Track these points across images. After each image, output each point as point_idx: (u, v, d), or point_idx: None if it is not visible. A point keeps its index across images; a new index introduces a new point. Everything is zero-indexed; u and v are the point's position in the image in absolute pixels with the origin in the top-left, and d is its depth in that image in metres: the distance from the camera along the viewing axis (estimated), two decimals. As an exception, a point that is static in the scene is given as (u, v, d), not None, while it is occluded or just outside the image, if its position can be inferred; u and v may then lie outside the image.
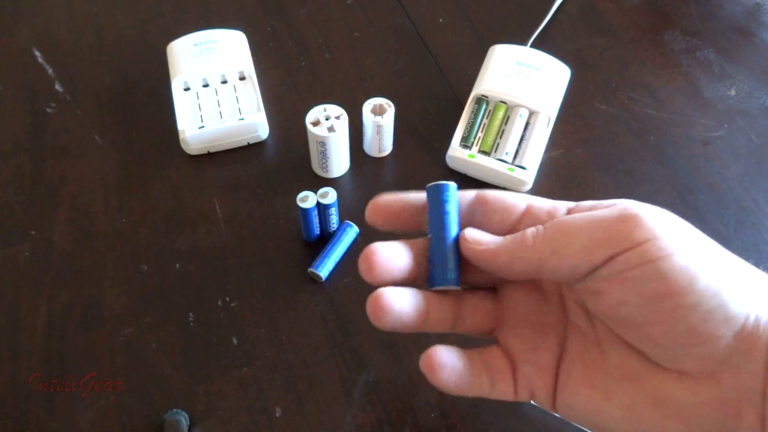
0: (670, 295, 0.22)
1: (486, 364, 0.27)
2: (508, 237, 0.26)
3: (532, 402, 0.39)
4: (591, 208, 0.25)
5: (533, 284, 0.28)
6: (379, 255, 0.26)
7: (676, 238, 0.22)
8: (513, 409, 0.39)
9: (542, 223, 0.26)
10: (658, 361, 0.23)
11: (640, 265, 0.22)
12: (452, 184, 0.27)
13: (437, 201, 0.26)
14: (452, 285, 0.27)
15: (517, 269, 0.25)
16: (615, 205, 0.24)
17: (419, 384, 0.40)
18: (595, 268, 0.23)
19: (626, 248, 0.22)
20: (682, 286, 0.22)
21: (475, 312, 0.28)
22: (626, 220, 0.23)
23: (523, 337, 0.28)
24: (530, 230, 0.25)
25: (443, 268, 0.26)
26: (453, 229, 0.26)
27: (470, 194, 0.28)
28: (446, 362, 0.26)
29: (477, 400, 0.39)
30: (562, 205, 0.27)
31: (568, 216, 0.25)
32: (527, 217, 0.27)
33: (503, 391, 0.27)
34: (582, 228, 0.24)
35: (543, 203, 0.27)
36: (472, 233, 0.26)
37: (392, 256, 0.26)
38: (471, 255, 0.26)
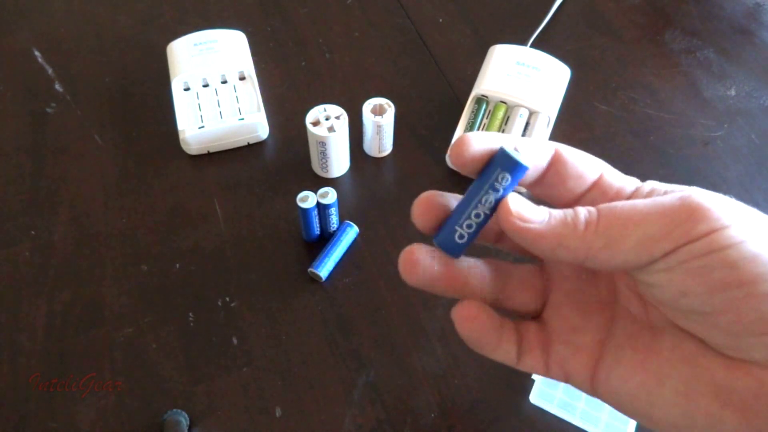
0: (740, 284, 0.20)
1: (519, 335, 0.26)
2: (558, 217, 0.23)
3: (531, 401, 0.39)
4: (651, 192, 0.24)
5: None
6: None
7: (746, 226, 0.21)
8: (513, 409, 0.39)
9: (608, 200, 0.24)
10: (721, 349, 0.22)
11: (705, 255, 0.21)
12: (526, 167, 0.23)
13: (494, 172, 0.23)
14: (447, 252, 0.24)
15: (561, 256, 0.23)
16: (671, 193, 0.23)
17: (419, 384, 0.40)
18: (654, 262, 0.22)
19: (690, 240, 0.21)
20: (755, 274, 0.20)
21: (522, 288, 0.27)
22: (690, 211, 0.21)
23: (564, 316, 0.26)
24: (583, 213, 0.23)
25: (449, 232, 0.24)
26: (487, 205, 0.24)
27: (549, 149, 0.25)
28: (477, 314, 0.25)
29: (476, 399, 0.39)
30: (630, 184, 0.25)
31: (625, 204, 0.23)
32: (596, 189, 0.25)
33: (531, 366, 0.26)
34: (640, 219, 0.22)
35: (614, 178, 0.25)
36: (517, 205, 0.23)
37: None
38: (512, 230, 0.23)
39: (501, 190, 0.23)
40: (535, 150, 0.24)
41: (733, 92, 0.55)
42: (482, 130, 0.49)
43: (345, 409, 0.39)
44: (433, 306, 0.43)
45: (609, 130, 0.53)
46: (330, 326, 0.42)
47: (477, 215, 0.24)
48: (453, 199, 0.25)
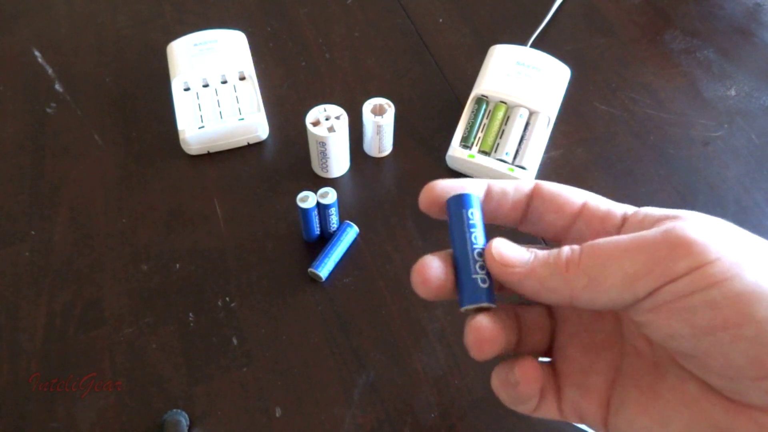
0: (725, 327, 0.19)
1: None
2: (541, 259, 0.23)
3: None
4: (642, 221, 0.23)
5: None
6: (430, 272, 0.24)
7: (734, 260, 0.20)
8: (513, 410, 0.39)
9: (595, 231, 0.24)
10: (721, 391, 0.21)
11: (688, 295, 0.20)
12: (474, 195, 0.25)
13: (459, 214, 0.24)
14: (484, 303, 0.24)
15: (547, 298, 0.23)
16: (663, 221, 0.22)
17: (419, 384, 0.40)
18: (638, 301, 0.21)
19: (672, 279, 0.20)
20: (740, 316, 0.19)
21: (533, 330, 0.26)
22: (672, 246, 0.20)
23: (571, 357, 0.26)
24: (566, 252, 0.22)
25: (472, 285, 0.24)
26: (479, 241, 0.24)
27: (527, 186, 0.25)
28: (539, 377, 0.25)
29: (476, 399, 0.39)
30: (618, 210, 0.24)
31: (609, 240, 0.22)
32: (580, 221, 0.25)
33: (546, 411, 0.26)
34: (621, 256, 0.21)
35: (599, 205, 0.24)
36: (499, 249, 0.23)
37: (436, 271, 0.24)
38: (496, 274, 0.23)
39: (476, 223, 0.24)
40: (497, 184, 0.25)
41: (733, 92, 0.55)
42: (482, 130, 0.49)
43: (345, 409, 0.39)
44: (433, 306, 0.43)
45: (609, 130, 0.53)
46: (330, 326, 0.42)
47: (479, 254, 0.24)
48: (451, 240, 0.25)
